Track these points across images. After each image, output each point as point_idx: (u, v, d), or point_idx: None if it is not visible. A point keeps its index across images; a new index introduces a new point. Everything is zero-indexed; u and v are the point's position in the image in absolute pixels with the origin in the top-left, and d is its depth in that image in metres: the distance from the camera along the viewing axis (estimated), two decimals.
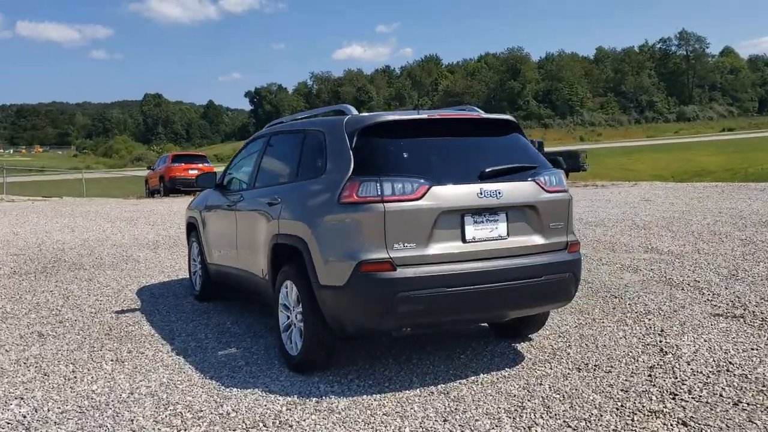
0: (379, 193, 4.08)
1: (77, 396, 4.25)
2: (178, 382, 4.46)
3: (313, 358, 4.49)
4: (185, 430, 3.70)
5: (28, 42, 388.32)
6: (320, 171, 4.53)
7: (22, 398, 4.24)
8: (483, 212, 4.30)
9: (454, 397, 4.11)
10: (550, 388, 4.21)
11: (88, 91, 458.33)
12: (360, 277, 4.04)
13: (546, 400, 4.02)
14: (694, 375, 4.34)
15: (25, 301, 7.07)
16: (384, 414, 3.87)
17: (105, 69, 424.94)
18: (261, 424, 3.75)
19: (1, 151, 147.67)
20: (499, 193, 4.31)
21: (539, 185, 4.51)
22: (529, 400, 4.02)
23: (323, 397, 4.12)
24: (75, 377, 4.61)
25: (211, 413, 3.92)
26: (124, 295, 7.30)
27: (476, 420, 3.76)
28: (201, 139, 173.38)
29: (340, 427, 3.71)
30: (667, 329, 5.33)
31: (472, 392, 4.18)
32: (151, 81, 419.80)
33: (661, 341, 5.05)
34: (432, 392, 4.19)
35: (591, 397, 4.04)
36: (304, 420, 3.79)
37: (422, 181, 4.16)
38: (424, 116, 4.51)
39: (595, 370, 4.51)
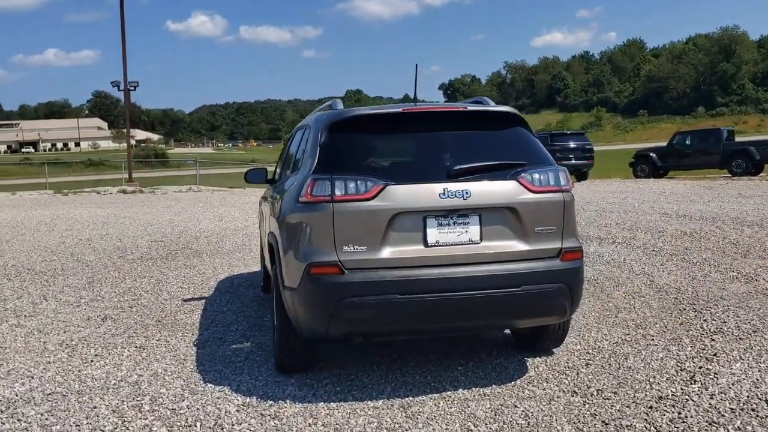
0: (329, 192, 3.87)
1: (75, 380, 4.52)
2: (169, 373, 4.58)
3: (286, 359, 4.39)
4: (130, 421, 3.79)
5: (248, 44, 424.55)
6: (299, 167, 4.43)
7: (31, 377, 4.59)
8: (449, 214, 3.92)
9: (411, 413, 3.80)
10: (522, 413, 3.74)
11: (298, 89, 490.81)
12: (309, 279, 3.87)
13: (504, 427, 3.57)
14: (705, 413, 3.62)
15: (122, 285, 7.71)
16: (323, 424, 3.68)
17: (313, 67, 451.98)
18: (198, 424, 3.73)
19: (221, 145, 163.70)
20: (467, 193, 3.90)
21: (522, 184, 4.01)
22: (484, 425, 3.61)
23: (280, 401, 4.01)
24: (90, 361, 4.91)
25: (167, 408, 3.97)
26: (207, 283, 7.69)
27: None
28: None
29: None
30: (724, 354, 4.51)
31: (434, 410, 3.84)
32: (353, 77, 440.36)
33: (701, 367, 4.29)
34: (392, 405, 3.91)
35: (559, 428, 3.53)
36: (240, 424, 3.72)
37: (376, 180, 3.88)
38: (399, 110, 4.20)
39: (593, 395, 3.94)
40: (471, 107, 4.35)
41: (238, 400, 4.06)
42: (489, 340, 5.06)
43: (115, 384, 4.40)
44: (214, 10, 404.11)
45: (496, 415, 3.73)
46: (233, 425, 3.70)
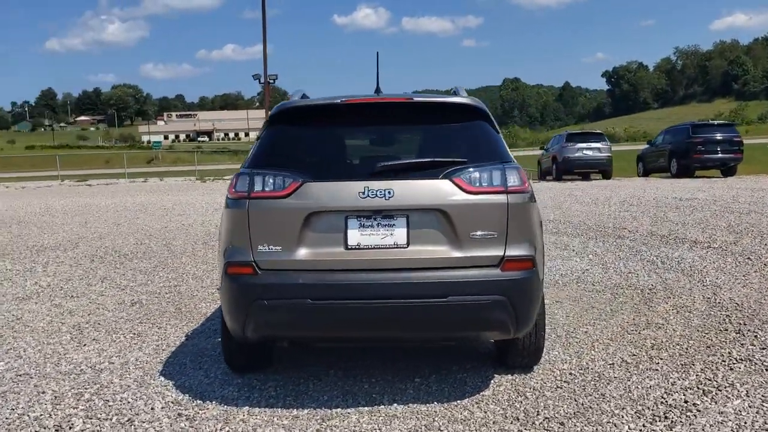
0: (247, 188, 3.68)
1: (55, 362, 4.68)
2: (137, 363, 4.62)
3: (230, 358, 4.26)
4: (58, 410, 3.83)
5: (409, 35, 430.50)
6: None
7: (20, 357, 4.83)
8: (373, 215, 3.59)
9: (325, 426, 3.55)
10: None
11: (457, 79, 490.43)
12: (227, 278, 3.72)
13: None
14: None
15: (179, 271, 7.99)
16: (230, 430, 3.52)
17: (473, 56, 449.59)
18: (114, 417, 3.70)
19: None
20: (390, 192, 3.55)
21: (457, 184, 3.58)
22: None
23: (208, 402, 3.90)
24: (83, 345, 5.08)
25: (102, 398, 3.98)
26: None
27: None
28: (554, 121, 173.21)
29: None
30: (728, 388, 3.81)
31: (351, 424, 3.56)
32: (512, 66, 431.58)
33: (687, 402, 3.65)
34: (314, 416, 3.67)
35: None
36: (152, 422, 3.64)
37: (295, 176, 3.64)
38: (338, 101, 3.91)
39: (534, 425, 3.47)
40: (418, 98, 3.97)
41: (171, 396, 4.00)
42: (469, 350, 4.64)
43: (81, 371, 4.51)
44: (378, 3, 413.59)
45: None
46: (144, 422, 3.64)
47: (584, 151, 22.57)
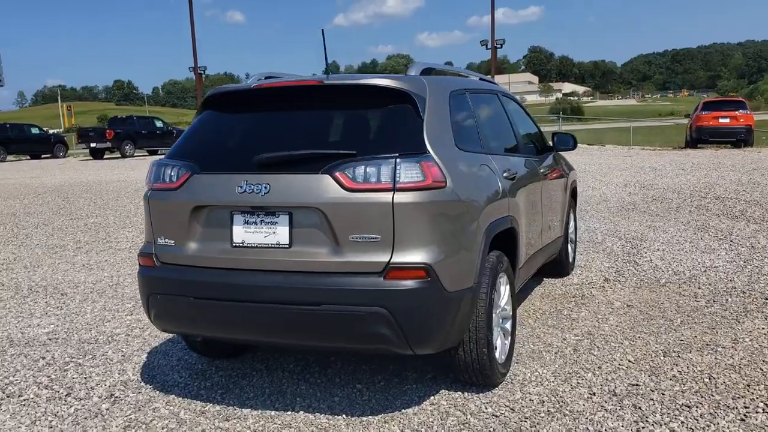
0: (152, 179, 3.61)
1: (19, 328, 5.05)
2: (117, 336, 4.76)
3: (189, 343, 4.22)
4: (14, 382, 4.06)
5: None
6: None
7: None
8: (257, 211, 3.29)
9: (231, 424, 3.40)
10: None
11: (751, 29, 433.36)
12: (139, 269, 3.71)
13: None
14: None
15: None
16: (124, 420, 3.47)
17: None
18: (61, 390, 3.84)
19: (647, 96, 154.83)
20: (266, 188, 3.23)
21: (337, 180, 3.13)
22: None
23: (134, 388, 3.88)
24: (75, 314, 5.34)
25: (63, 372, 4.16)
26: None
27: None
28: None
29: (84, 414, 3.56)
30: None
31: (260, 421, 3.41)
32: None
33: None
34: (218, 414, 3.51)
35: None
36: (70, 408, 3.66)
37: (186, 167, 3.47)
38: (249, 87, 3.65)
39: None
40: (329, 81, 3.54)
41: (114, 378, 4.04)
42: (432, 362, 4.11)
43: (50, 340, 4.74)
44: None
45: None
46: (78, 399, 3.75)
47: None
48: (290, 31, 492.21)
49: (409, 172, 3.12)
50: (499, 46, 31.22)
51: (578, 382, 3.75)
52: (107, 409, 3.63)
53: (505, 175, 3.98)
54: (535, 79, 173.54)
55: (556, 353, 4.21)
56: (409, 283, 3.09)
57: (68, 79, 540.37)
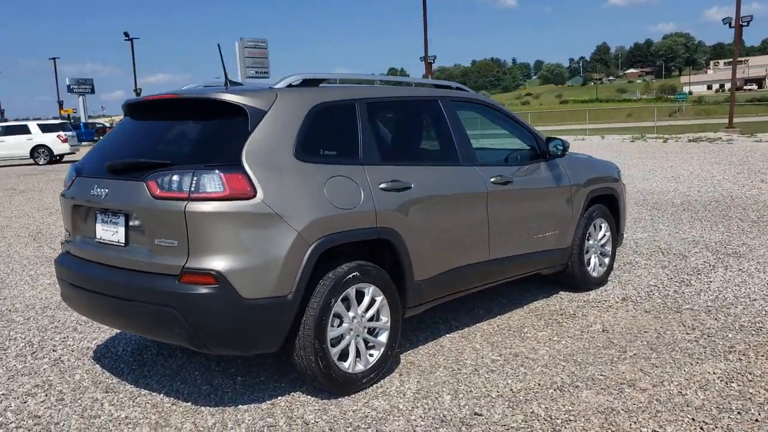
0: (66, 179, 4.28)
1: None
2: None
3: None
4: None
5: None
6: None
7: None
8: (107, 211, 3.82)
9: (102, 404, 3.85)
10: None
11: None
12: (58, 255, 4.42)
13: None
14: None
15: None
16: (57, 399, 3.94)
17: None
18: (34, 383, 4.23)
19: None
20: (106, 191, 3.76)
21: (149, 187, 3.51)
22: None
23: (80, 369, 4.37)
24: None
25: (37, 346, 4.90)
26: None
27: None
28: None
29: (46, 395, 4.02)
30: None
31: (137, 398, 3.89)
32: None
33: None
34: (144, 401, 3.90)
35: None
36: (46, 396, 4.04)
37: (75, 170, 4.13)
38: (139, 100, 4.24)
39: None
40: (183, 95, 3.94)
41: (73, 357, 4.58)
42: None
43: (37, 313, 5.69)
44: None
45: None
46: (54, 387, 4.15)
47: None
48: (561, 12, 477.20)
49: (206, 183, 3.38)
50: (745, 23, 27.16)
51: (428, 404, 3.64)
52: None
53: (382, 186, 3.94)
54: None
55: (445, 369, 4.10)
56: (200, 288, 3.37)
57: None
